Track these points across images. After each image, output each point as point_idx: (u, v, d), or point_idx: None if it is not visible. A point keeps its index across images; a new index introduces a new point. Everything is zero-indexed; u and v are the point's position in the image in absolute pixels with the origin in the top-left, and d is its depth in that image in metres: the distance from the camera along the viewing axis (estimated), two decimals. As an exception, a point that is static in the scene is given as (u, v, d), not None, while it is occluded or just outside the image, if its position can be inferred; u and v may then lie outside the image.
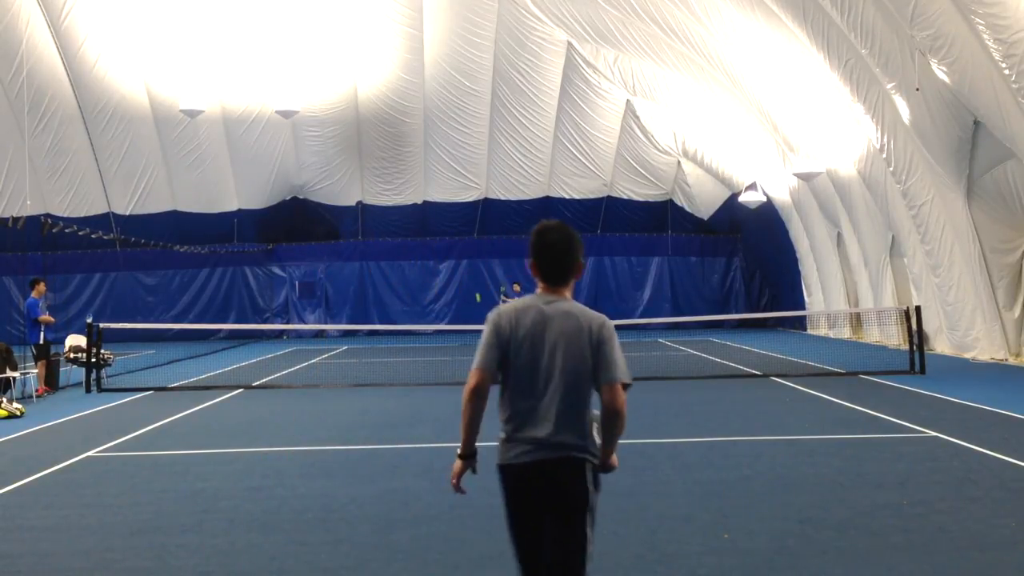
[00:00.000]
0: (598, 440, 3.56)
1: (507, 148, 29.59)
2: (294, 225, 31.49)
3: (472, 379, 3.53)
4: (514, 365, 3.52)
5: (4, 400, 12.48)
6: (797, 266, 27.53)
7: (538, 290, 3.65)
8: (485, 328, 3.60)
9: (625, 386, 3.48)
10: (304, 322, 30.39)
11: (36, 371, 14.98)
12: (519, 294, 22.79)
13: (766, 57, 20.21)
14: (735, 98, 23.46)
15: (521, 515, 3.56)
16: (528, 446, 3.49)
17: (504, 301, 22.59)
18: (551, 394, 3.48)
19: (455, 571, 5.38)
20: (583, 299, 30.12)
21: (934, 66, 14.29)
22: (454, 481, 3.71)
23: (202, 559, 5.66)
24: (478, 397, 3.53)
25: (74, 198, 29.73)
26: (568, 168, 30.15)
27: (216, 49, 26.34)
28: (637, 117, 28.13)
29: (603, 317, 3.59)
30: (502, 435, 3.57)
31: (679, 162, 29.60)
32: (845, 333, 24.98)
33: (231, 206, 30.62)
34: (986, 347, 16.97)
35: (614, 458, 3.60)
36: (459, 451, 3.67)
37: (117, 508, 7.00)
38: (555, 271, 3.61)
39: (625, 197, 30.89)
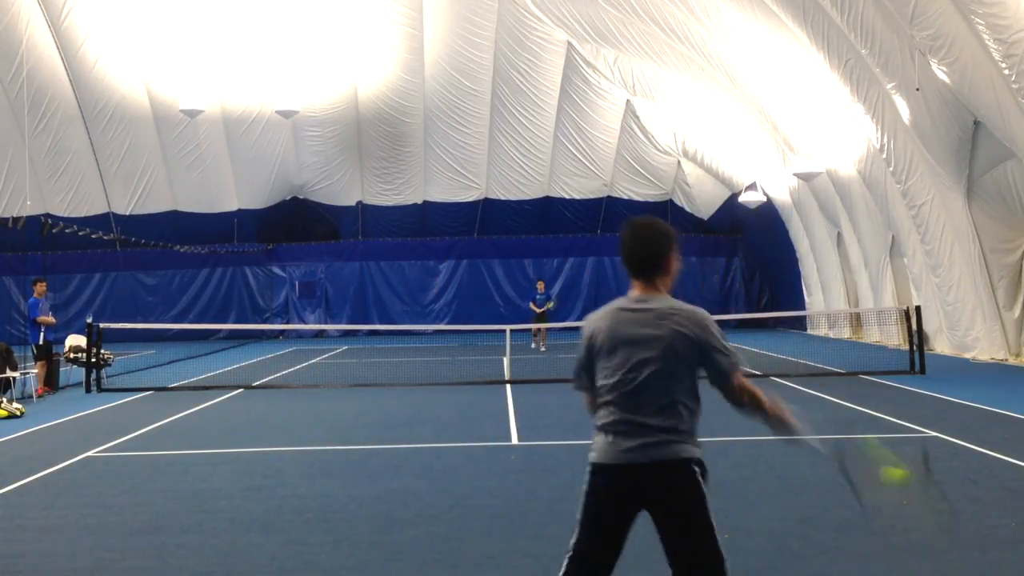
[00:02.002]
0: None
1: (507, 148, 29.59)
2: (294, 225, 31.47)
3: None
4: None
5: (4, 400, 12.48)
6: (797, 266, 27.52)
7: (631, 287, 3.58)
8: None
9: None
10: (304, 322, 30.38)
11: (36, 371, 14.97)
12: (545, 293, 23.94)
13: (766, 57, 20.21)
14: (735, 98, 23.45)
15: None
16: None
17: (536, 308, 23.32)
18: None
19: (455, 571, 5.37)
20: (583, 299, 30.15)
21: (934, 66, 14.29)
22: None
23: (202, 559, 5.66)
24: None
25: (74, 198, 29.72)
26: (568, 168, 30.14)
27: (216, 49, 26.33)
28: (637, 117, 28.13)
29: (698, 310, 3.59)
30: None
31: (679, 162, 29.60)
32: (845, 333, 24.98)
33: (231, 206, 30.61)
34: (986, 347, 16.97)
35: None
36: None
37: (117, 508, 7.00)
38: (635, 269, 3.53)
39: (625, 197, 30.88)
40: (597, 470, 3.45)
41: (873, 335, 22.87)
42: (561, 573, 3.44)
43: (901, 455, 3.86)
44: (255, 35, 26.11)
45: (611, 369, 3.45)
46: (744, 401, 3.60)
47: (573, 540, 3.46)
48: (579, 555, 3.45)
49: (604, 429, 3.46)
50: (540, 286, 24.22)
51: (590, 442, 3.58)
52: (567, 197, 30.83)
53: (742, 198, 25.91)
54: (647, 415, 3.43)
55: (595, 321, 3.55)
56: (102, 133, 28.38)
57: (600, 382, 3.50)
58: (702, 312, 3.56)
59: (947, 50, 13.60)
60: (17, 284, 29.94)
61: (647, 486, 3.42)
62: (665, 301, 3.51)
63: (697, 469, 3.51)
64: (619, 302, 3.56)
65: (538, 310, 23.08)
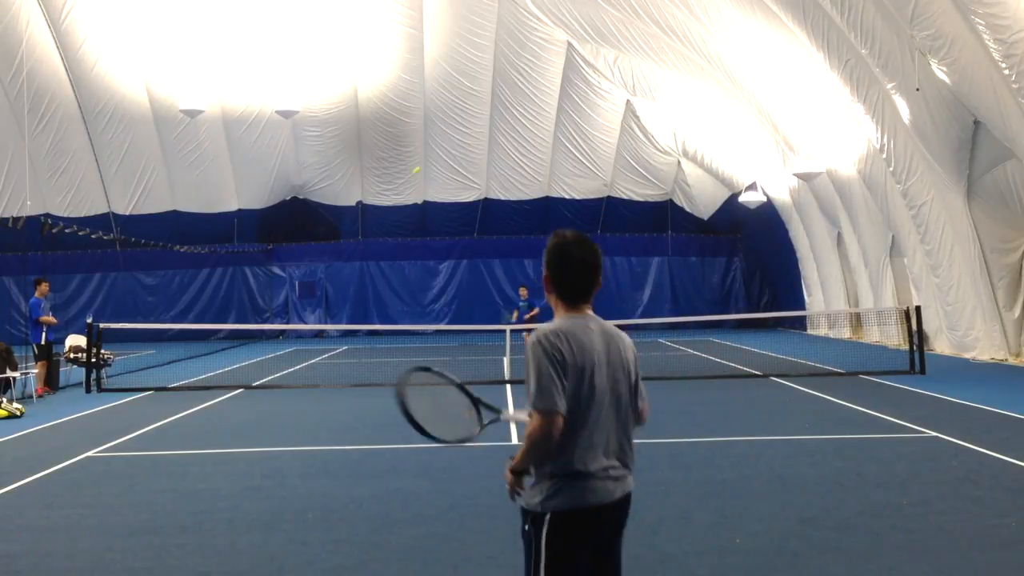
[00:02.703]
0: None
1: (507, 148, 29.59)
2: (294, 225, 31.47)
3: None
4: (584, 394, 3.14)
5: (4, 400, 12.49)
6: (797, 266, 27.52)
7: (561, 311, 3.24)
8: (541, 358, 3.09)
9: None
10: (304, 322, 30.38)
11: (36, 371, 14.97)
12: (527, 301, 20.50)
13: (766, 57, 20.21)
14: (735, 98, 23.46)
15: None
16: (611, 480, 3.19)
17: (512, 318, 20.63)
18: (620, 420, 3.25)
19: (455, 571, 5.38)
20: (583, 299, 30.13)
21: (934, 66, 14.29)
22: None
23: (202, 559, 5.66)
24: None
25: (74, 198, 29.73)
26: (568, 168, 30.14)
27: (216, 49, 26.33)
28: (637, 117, 28.13)
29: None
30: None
31: (679, 162, 29.60)
32: (845, 333, 24.98)
33: (231, 206, 30.62)
34: (986, 347, 16.97)
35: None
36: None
37: (117, 508, 7.00)
38: (587, 288, 3.24)
39: (625, 197, 30.88)
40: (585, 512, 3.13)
41: (873, 335, 22.87)
42: None
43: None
44: (255, 35, 26.11)
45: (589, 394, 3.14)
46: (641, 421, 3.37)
47: None
48: None
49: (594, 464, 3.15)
50: (523, 292, 21.00)
51: None
52: (567, 197, 30.83)
53: (742, 198, 25.91)
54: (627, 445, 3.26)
55: (566, 338, 3.13)
56: (102, 133, 28.38)
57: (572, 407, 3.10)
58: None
59: (947, 50, 13.61)
60: (17, 284, 29.93)
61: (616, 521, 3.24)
62: (603, 321, 3.30)
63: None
64: (576, 320, 3.21)
65: (517, 325, 19.65)
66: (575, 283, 3.23)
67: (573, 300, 3.23)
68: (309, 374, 17.97)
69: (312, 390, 15.11)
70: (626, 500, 3.23)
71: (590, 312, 3.26)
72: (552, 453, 3.10)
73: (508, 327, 18.21)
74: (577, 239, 3.28)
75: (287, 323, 30.01)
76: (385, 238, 31.43)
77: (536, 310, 20.17)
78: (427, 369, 3.52)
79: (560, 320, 3.22)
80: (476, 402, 3.45)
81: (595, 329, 3.21)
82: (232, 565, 5.54)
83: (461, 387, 3.44)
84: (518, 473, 3.22)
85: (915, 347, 15.32)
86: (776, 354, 19.93)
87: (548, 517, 3.10)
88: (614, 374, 3.20)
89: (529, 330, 20.94)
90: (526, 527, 3.19)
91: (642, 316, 29.74)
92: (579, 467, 3.11)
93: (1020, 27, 11.92)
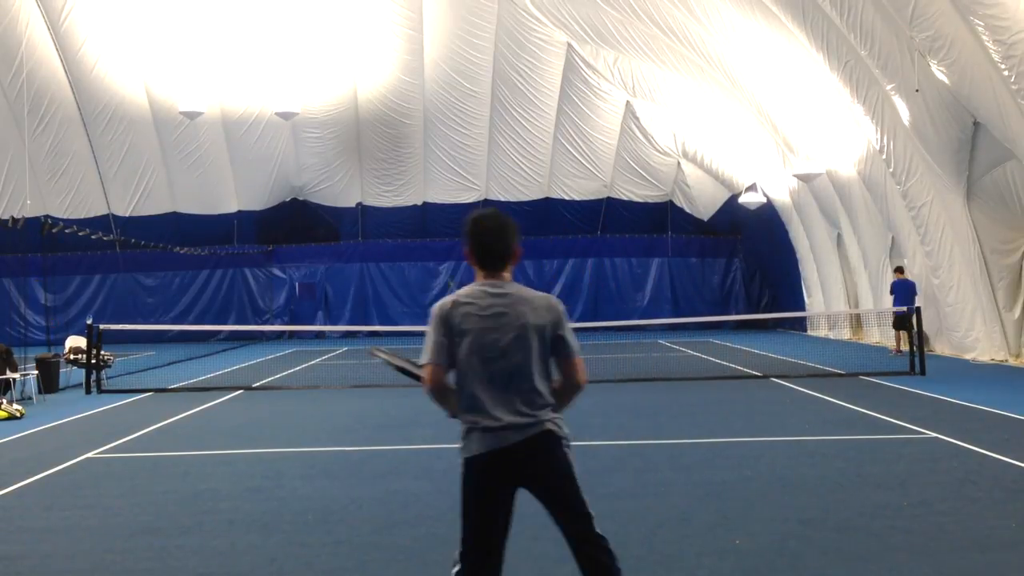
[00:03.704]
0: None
1: (507, 149, 29.60)
2: (294, 226, 31.48)
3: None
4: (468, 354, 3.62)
5: (4, 401, 12.48)
6: (797, 267, 27.53)
7: (479, 278, 3.71)
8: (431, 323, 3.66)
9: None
10: (304, 323, 30.37)
11: (36, 372, 14.95)
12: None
13: (766, 58, 20.22)
14: (735, 99, 23.47)
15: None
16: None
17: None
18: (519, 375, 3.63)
19: (455, 572, 5.37)
20: (583, 301, 30.23)
21: (934, 67, 14.30)
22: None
23: (202, 560, 5.66)
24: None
25: (74, 199, 29.74)
26: (568, 169, 30.14)
27: (216, 51, 26.35)
28: (637, 118, 28.13)
29: (551, 296, 3.75)
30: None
31: (679, 163, 29.60)
32: (845, 334, 24.98)
33: (231, 208, 30.62)
34: (986, 348, 16.97)
35: None
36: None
37: (117, 509, 7.00)
38: (494, 255, 3.68)
39: (625, 198, 30.88)
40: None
41: (873, 336, 22.87)
42: None
43: None
44: (255, 37, 26.12)
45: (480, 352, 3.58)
46: (573, 388, 3.77)
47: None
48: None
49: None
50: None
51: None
52: (567, 198, 30.83)
53: (742, 199, 25.92)
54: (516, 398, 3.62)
55: (455, 305, 3.62)
56: (102, 135, 28.39)
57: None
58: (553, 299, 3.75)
59: (946, 51, 13.62)
60: (17, 286, 29.95)
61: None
62: (519, 286, 3.69)
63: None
64: (488, 286, 3.66)
65: None
66: (481, 251, 3.69)
67: (483, 266, 3.70)
68: (309, 375, 17.97)
69: (312, 391, 15.11)
70: (525, 446, 3.57)
71: (505, 277, 3.68)
72: (444, 402, 3.72)
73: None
74: (485, 214, 3.80)
75: (287, 324, 29.98)
76: (385, 239, 31.43)
77: None
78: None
79: (465, 287, 3.69)
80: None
81: (496, 292, 3.62)
82: (232, 566, 5.54)
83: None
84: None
85: (915, 348, 15.33)
86: (776, 355, 19.93)
87: (462, 462, 3.64)
88: (510, 335, 3.56)
89: None
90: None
91: (642, 317, 29.74)
92: (471, 419, 3.60)
93: (1019, 28, 11.93)
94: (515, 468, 3.58)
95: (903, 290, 18.60)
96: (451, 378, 3.71)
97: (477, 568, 3.61)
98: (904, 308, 17.46)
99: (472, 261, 3.73)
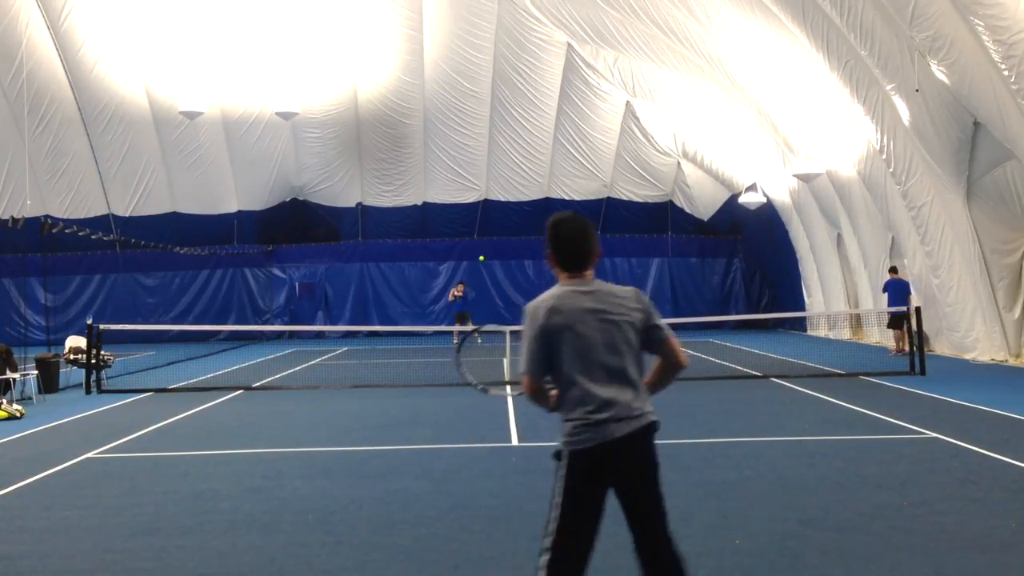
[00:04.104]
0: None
1: (507, 149, 29.60)
2: (294, 226, 31.48)
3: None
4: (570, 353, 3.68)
5: (4, 401, 12.48)
6: (797, 267, 27.53)
7: (562, 280, 3.79)
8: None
9: None
10: (304, 323, 30.37)
11: (36, 372, 14.95)
12: (463, 295, 26.66)
13: (766, 58, 20.22)
14: (735, 99, 23.47)
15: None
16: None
17: (455, 297, 26.72)
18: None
19: (455, 572, 5.38)
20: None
21: (934, 67, 14.30)
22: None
23: (202, 560, 5.66)
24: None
25: (74, 199, 29.74)
26: (568, 169, 30.14)
27: (216, 51, 26.34)
28: (637, 118, 28.14)
29: (635, 288, 3.91)
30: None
31: (679, 163, 29.61)
32: (845, 334, 24.98)
33: (231, 207, 30.62)
34: (986, 348, 16.97)
35: None
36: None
37: (117, 509, 7.00)
38: (578, 256, 3.79)
39: (625, 198, 30.89)
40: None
41: (873, 336, 22.87)
42: None
43: None
44: (255, 36, 26.12)
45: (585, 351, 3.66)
46: (676, 369, 3.92)
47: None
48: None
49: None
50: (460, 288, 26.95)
51: None
52: (567, 198, 30.82)
53: (742, 199, 25.92)
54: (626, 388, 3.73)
55: (549, 310, 3.69)
56: (102, 135, 28.39)
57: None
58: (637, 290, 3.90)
59: (946, 51, 13.61)
60: (17, 286, 29.95)
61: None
62: (602, 283, 3.82)
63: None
64: (575, 285, 3.75)
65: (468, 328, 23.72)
66: (567, 253, 3.79)
67: (568, 268, 3.79)
68: (309, 375, 17.97)
69: (312, 391, 15.11)
70: (636, 436, 3.65)
71: (588, 276, 3.79)
72: (545, 403, 3.83)
73: (508, 328, 18.23)
74: (565, 217, 3.89)
75: (287, 324, 29.99)
76: (385, 239, 31.43)
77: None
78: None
79: (551, 290, 3.77)
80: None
81: (586, 291, 3.72)
82: (232, 566, 5.54)
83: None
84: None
85: (915, 348, 15.33)
86: (776, 355, 19.93)
87: (565, 455, 3.68)
88: (609, 328, 3.67)
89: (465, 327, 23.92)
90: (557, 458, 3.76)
91: (642, 317, 29.67)
92: (581, 414, 3.63)
93: (1019, 28, 11.93)
94: (620, 460, 3.64)
95: (897, 290, 18.75)
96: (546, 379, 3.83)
97: (571, 558, 3.65)
98: (903, 308, 17.48)
99: (554, 263, 3.82)
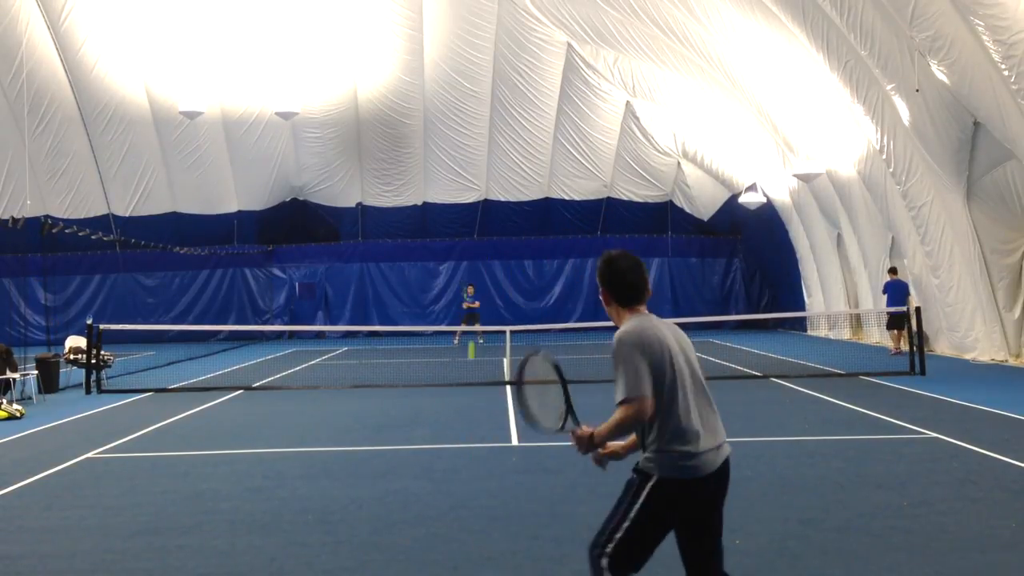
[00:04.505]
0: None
1: (507, 149, 29.58)
2: (294, 226, 31.46)
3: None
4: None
5: (4, 401, 12.48)
6: (797, 267, 27.52)
7: (626, 316, 3.77)
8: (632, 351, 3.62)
9: None
10: (304, 323, 30.37)
11: (36, 372, 14.95)
12: (473, 297, 26.69)
13: (766, 58, 20.21)
14: (735, 99, 23.46)
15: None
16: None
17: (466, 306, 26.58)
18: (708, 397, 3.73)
19: (455, 572, 5.38)
20: (583, 301, 30.25)
21: (934, 67, 14.30)
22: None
23: (202, 560, 5.66)
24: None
25: (74, 199, 29.72)
26: (568, 169, 30.13)
27: (216, 51, 26.33)
28: (637, 118, 28.13)
29: None
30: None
31: (679, 163, 29.60)
32: (845, 334, 24.97)
33: (231, 207, 30.61)
34: (986, 348, 16.97)
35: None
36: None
37: (117, 509, 7.00)
38: (637, 292, 3.80)
39: (625, 198, 30.87)
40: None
41: (873, 336, 22.87)
42: None
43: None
44: (255, 36, 26.11)
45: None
46: None
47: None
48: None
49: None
50: (471, 290, 26.97)
51: None
52: (567, 198, 30.82)
53: (742, 199, 25.91)
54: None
55: (642, 334, 3.66)
56: (102, 135, 28.38)
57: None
58: None
59: (947, 51, 13.61)
60: (17, 286, 29.95)
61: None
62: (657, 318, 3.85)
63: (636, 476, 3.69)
64: (642, 319, 3.76)
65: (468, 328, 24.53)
66: (625, 288, 3.79)
67: (629, 303, 3.80)
68: (309, 375, 17.97)
69: (312, 391, 15.11)
70: (726, 466, 3.67)
71: (643, 311, 3.81)
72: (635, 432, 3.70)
73: (508, 328, 18.26)
74: (618, 255, 3.86)
75: (287, 324, 29.99)
76: (385, 239, 31.42)
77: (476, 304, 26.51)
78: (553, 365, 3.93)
79: (632, 321, 3.73)
80: (569, 408, 3.85)
81: (659, 324, 3.77)
82: (232, 566, 5.54)
83: (567, 393, 3.86)
84: (599, 446, 3.74)
85: (915, 348, 15.33)
86: (776, 355, 19.93)
87: (655, 479, 3.58)
88: (688, 356, 3.72)
89: (472, 328, 24.47)
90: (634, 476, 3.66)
91: (642, 317, 29.67)
92: (683, 444, 3.56)
93: (1020, 28, 11.93)
94: (708, 492, 3.63)
95: (896, 291, 18.83)
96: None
97: (631, 569, 3.65)
98: (903, 308, 17.50)
99: (611, 300, 3.81)
